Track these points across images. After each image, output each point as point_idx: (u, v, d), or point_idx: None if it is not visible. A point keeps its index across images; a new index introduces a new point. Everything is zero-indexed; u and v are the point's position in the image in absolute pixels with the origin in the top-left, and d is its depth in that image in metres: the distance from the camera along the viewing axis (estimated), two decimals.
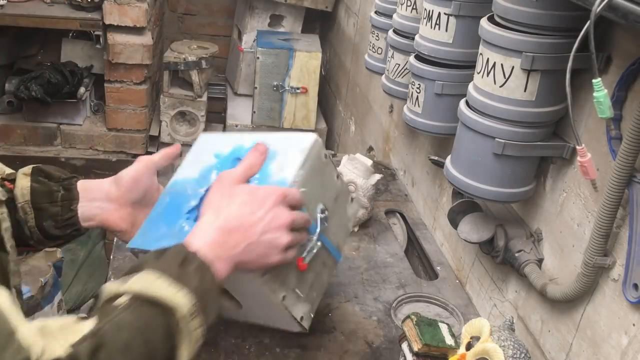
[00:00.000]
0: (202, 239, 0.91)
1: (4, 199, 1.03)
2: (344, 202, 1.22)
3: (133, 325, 0.77)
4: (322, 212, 1.13)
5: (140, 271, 0.83)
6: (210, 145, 1.23)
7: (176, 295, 0.80)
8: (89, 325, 0.75)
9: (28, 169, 1.13)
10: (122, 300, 0.79)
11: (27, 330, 0.69)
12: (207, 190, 1.11)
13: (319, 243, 1.12)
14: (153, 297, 0.79)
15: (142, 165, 1.16)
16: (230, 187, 0.99)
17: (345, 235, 1.25)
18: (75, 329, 0.74)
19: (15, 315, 0.69)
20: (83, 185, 1.13)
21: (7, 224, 1.01)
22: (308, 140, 1.14)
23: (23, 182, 1.10)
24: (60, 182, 1.12)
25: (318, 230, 1.12)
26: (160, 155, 1.20)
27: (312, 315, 1.24)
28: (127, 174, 1.15)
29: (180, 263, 0.84)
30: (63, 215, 1.10)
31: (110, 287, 0.82)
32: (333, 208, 1.18)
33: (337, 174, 1.18)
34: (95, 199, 1.12)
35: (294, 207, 1.02)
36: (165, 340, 0.79)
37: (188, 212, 1.11)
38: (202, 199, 1.10)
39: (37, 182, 1.10)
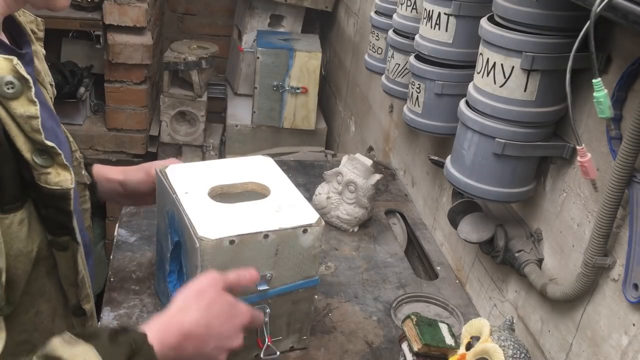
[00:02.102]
0: (163, 338, 0.93)
1: (88, 182, 1.16)
2: (290, 244, 1.19)
3: None
4: (265, 282, 1.19)
5: (88, 342, 0.84)
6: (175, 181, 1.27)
7: None
8: None
9: None
10: None
11: None
12: (174, 245, 1.23)
13: (267, 319, 1.20)
14: None
15: (144, 177, 1.35)
16: (215, 293, 1.02)
17: (312, 262, 1.24)
18: None
19: None
20: (97, 178, 1.31)
21: (87, 205, 1.15)
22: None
23: None
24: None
25: (268, 311, 1.21)
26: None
27: (305, 337, 1.32)
28: (131, 184, 1.35)
29: (129, 356, 0.86)
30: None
31: (56, 345, 0.83)
32: (276, 261, 1.18)
33: (263, 234, 1.15)
34: (108, 193, 1.35)
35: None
36: None
37: (169, 275, 1.29)
38: (172, 261, 1.26)
39: None
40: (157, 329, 0.93)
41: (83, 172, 1.22)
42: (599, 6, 0.86)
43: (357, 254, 1.69)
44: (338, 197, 1.74)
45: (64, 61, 3.16)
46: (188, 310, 0.98)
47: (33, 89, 0.87)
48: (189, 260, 1.17)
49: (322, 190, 1.77)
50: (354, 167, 1.72)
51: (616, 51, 1.08)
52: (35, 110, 0.86)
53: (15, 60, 0.85)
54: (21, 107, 0.86)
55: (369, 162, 1.73)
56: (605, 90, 0.91)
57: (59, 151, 0.91)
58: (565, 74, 0.97)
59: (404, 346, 1.22)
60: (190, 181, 1.25)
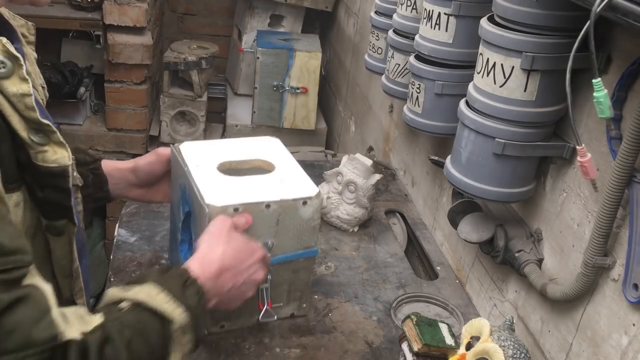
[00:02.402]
0: (204, 270, 1.02)
1: (80, 184, 1.17)
2: (290, 215, 1.26)
3: (135, 327, 0.85)
4: (267, 249, 1.25)
5: (143, 283, 0.91)
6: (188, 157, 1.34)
7: (175, 311, 0.89)
8: (98, 319, 0.83)
9: None
10: (125, 304, 0.88)
11: (56, 311, 0.77)
12: (185, 216, 1.30)
13: (267, 285, 1.27)
14: (154, 308, 0.88)
15: (155, 157, 1.36)
16: (229, 230, 1.12)
17: (311, 233, 1.32)
18: (87, 319, 0.82)
19: (52, 298, 0.78)
20: (107, 170, 1.32)
21: (80, 207, 1.15)
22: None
23: None
24: (88, 167, 1.28)
25: (270, 277, 1.27)
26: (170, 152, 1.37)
27: (305, 305, 1.40)
28: (143, 166, 1.36)
29: (182, 284, 0.94)
30: (96, 195, 1.30)
31: (114, 291, 0.90)
32: (278, 230, 1.26)
33: (265, 203, 1.23)
34: (119, 183, 1.34)
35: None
36: (160, 346, 0.88)
37: (180, 244, 1.36)
38: (183, 230, 1.33)
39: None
40: (196, 265, 1.01)
41: (75, 173, 1.18)
42: (599, 6, 0.86)
43: (357, 254, 1.68)
44: (338, 197, 1.74)
45: (64, 61, 3.16)
46: (216, 247, 1.07)
47: (24, 67, 0.86)
48: (198, 227, 1.23)
49: (322, 190, 1.77)
50: (354, 167, 1.72)
51: (616, 51, 1.08)
52: (27, 87, 0.85)
53: (4, 39, 0.85)
54: (13, 85, 0.84)
55: (369, 162, 1.73)
56: (605, 90, 0.91)
57: (54, 129, 0.90)
58: (565, 74, 0.97)
59: (404, 346, 1.22)
60: (201, 157, 1.33)
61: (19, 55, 0.85)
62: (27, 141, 0.87)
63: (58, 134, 0.91)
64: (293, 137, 3.09)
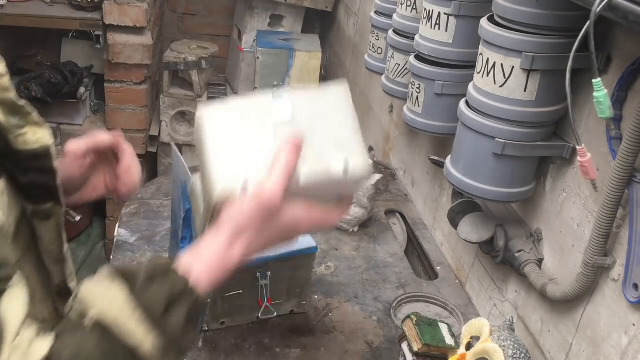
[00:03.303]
0: (208, 269, 0.81)
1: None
2: None
3: (92, 356, 0.72)
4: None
5: (126, 284, 0.77)
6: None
7: (146, 339, 0.74)
8: (44, 347, 0.72)
9: None
10: (89, 319, 0.74)
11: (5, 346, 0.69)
12: (186, 213, 1.25)
13: (267, 282, 1.26)
14: (119, 336, 0.74)
15: (67, 160, 1.10)
16: (271, 215, 0.83)
17: None
18: (30, 352, 0.71)
19: (11, 326, 0.70)
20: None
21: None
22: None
23: None
24: None
25: (269, 274, 1.28)
26: (87, 142, 1.12)
27: (305, 302, 1.41)
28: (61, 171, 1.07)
29: (168, 299, 0.77)
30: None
31: (86, 292, 0.77)
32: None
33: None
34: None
35: None
36: None
37: (181, 241, 1.32)
38: (185, 228, 1.29)
39: None
40: (198, 264, 0.81)
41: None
42: (599, 6, 0.86)
43: (357, 254, 1.68)
44: None
45: (64, 61, 3.16)
46: (234, 239, 0.82)
47: None
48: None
49: None
50: None
51: (616, 51, 1.08)
52: (2, 67, 0.80)
53: None
54: None
55: (369, 162, 1.72)
56: (605, 90, 0.91)
57: (30, 110, 0.85)
58: (565, 74, 0.97)
59: (404, 346, 1.22)
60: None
61: None
62: (4, 125, 0.82)
63: (35, 114, 0.85)
64: None
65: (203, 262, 0.81)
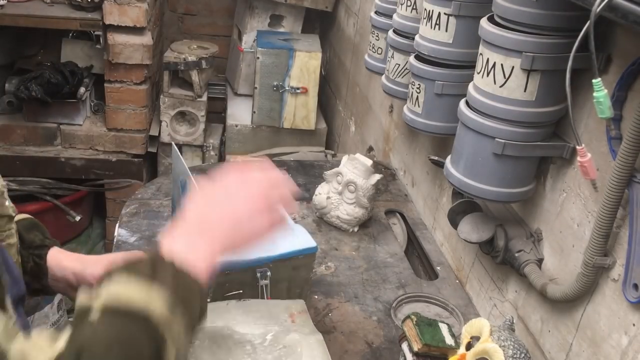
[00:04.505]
0: (177, 237, 0.85)
1: (14, 214, 1.04)
2: None
3: (108, 341, 0.71)
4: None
5: (111, 276, 0.77)
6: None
7: (149, 300, 0.74)
8: (56, 349, 0.71)
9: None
10: (94, 315, 0.74)
11: (13, 353, 0.69)
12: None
13: (267, 282, 1.26)
14: (123, 309, 0.74)
15: (101, 269, 1.11)
16: (242, 175, 0.92)
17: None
18: (49, 353, 0.71)
19: (4, 338, 0.70)
20: (51, 263, 1.15)
21: (14, 239, 1.02)
22: None
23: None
24: (32, 251, 1.13)
25: (269, 274, 1.28)
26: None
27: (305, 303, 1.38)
28: (87, 274, 1.15)
29: (152, 265, 0.79)
30: (33, 285, 1.13)
31: (83, 299, 0.77)
32: None
33: None
34: (60, 281, 1.16)
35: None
36: (146, 343, 0.73)
37: None
38: None
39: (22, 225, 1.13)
40: (168, 232, 0.86)
41: (7, 202, 1.03)
42: (599, 6, 0.86)
43: (357, 254, 1.69)
44: (338, 197, 1.74)
45: (64, 61, 3.16)
46: (199, 212, 0.88)
47: None
48: None
49: (322, 190, 1.77)
50: (354, 167, 1.72)
51: (616, 51, 1.08)
52: None
53: None
54: None
55: (369, 162, 1.73)
56: (605, 90, 0.91)
57: None
58: (565, 74, 0.97)
59: (404, 346, 1.22)
60: None
61: None
62: None
63: None
64: (293, 137, 3.09)
65: (176, 238, 0.85)
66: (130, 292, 0.75)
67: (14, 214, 1.04)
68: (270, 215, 0.92)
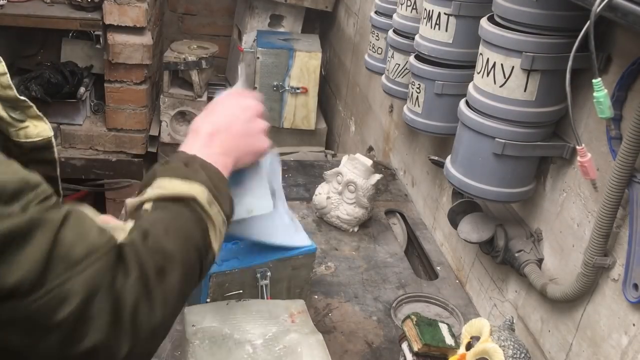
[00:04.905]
0: (192, 145, 0.98)
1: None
2: None
3: (165, 219, 0.85)
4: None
5: (152, 181, 0.90)
6: None
7: (191, 188, 0.88)
8: (130, 224, 0.83)
9: None
10: (147, 206, 0.86)
11: (99, 223, 0.78)
12: None
13: (267, 282, 1.28)
14: (171, 195, 0.87)
15: None
16: (223, 99, 1.10)
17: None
18: (122, 227, 0.82)
19: (91, 213, 0.80)
20: None
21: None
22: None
23: None
24: None
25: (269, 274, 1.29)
26: None
27: (305, 302, 1.37)
28: None
29: (184, 165, 0.91)
30: None
31: (131, 201, 0.89)
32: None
33: None
34: None
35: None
36: (194, 224, 0.87)
37: None
38: None
39: None
40: (186, 145, 0.98)
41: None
42: (599, 6, 0.86)
43: (357, 254, 1.68)
44: (338, 197, 1.74)
45: (64, 61, 3.16)
46: (200, 123, 1.03)
47: None
48: None
49: (322, 190, 1.77)
50: (354, 167, 1.72)
51: (616, 51, 1.08)
52: (2, 67, 0.86)
53: None
54: None
55: (369, 162, 1.73)
56: (605, 90, 0.91)
57: (30, 104, 0.91)
58: (565, 74, 0.97)
59: (404, 346, 1.22)
60: None
61: None
62: (7, 120, 0.88)
63: (34, 108, 0.92)
64: (293, 137, 3.09)
65: (184, 143, 0.99)
66: (174, 184, 0.88)
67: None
68: (262, 133, 1.10)
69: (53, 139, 0.95)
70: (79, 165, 3.10)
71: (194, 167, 0.92)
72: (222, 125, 1.03)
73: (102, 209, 3.28)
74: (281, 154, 2.85)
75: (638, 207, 1.00)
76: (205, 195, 0.88)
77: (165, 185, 0.88)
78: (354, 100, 2.83)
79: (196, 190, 0.88)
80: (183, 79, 3.16)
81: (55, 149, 0.97)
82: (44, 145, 0.93)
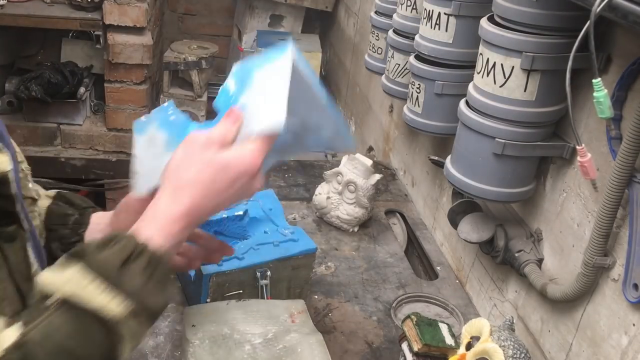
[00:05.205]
0: (157, 226, 0.84)
1: (37, 198, 1.06)
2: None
3: (61, 332, 0.74)
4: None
5: (77, 262, 0.77)
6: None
7: (111, 303, 0.75)
8: (14, 332, 0.73)
9: (52, 192, 1.14)
10: (51, 301, 0.75)
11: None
12: None
13: (267, 282, 1.29)
14: (83, 306, 0.75)
15: (125, 210, 1.10)
16: (200, 153, 0.87)
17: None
18: (1, 339, 0.73)
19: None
20: (96, 217, 1.14)
21: (36, 222, 1.04)
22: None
23: (43, 203, 1.11)
24: (79, 209, 1.14)
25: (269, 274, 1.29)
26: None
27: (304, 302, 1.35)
28: (118, 223, 1.10)
29: (124, 260, 0.78)
30: (70, 239, 1.10)
31: (44, 279, 0.78)
32: None
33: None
34: (92, 233, 1.13)
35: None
36: (99, 345, 0.76)
37: None
38: None
39: (56, 205, 1.12)
40: (148, 219, 0.84)
41: (30, 185, 1.05)
42: (599, 6, 0.86)
43: (357, 254, 1.68)
44: (338, 197, 1.74)
45: (64, 61, 3.16)
46: (172, 192, 0.86)
47: None
48: None
49: (322, 190, 1.77)
50: (354, 167, 1.72)
51: (616, 51, 1.08)
52: None
53: None
54: None
55: (369, 162, 1.73)
56: (605, 90, 0.91)
57: None
58: (565, 74, 0.97)
59: (404, 346, 1.22)
60: None
61: None
62: None
63: None
64: None
65: (149, 219, 0.84)
66: (92, 291, 0.76)
67: (37, 197, 1.06)
68: (241, 193, 0.89)
69: (11, 174, 0.87)
70: (79, 165, 3.10)
71: (133, 270, 0.78)
72: (207, 205, 0.86)
73: (102, 209, 3.28)
74: None
75: (638, 207, 1.00)
76: (126, 310, 0.76)
77: (82, 287, 0.75)
78: (354, 100, 2.83)
79: (116, 306, 0.75)
80: (183, 79, 3.16)
81: (14, 184, 0.88)
82: (0, 180, 0.85)
